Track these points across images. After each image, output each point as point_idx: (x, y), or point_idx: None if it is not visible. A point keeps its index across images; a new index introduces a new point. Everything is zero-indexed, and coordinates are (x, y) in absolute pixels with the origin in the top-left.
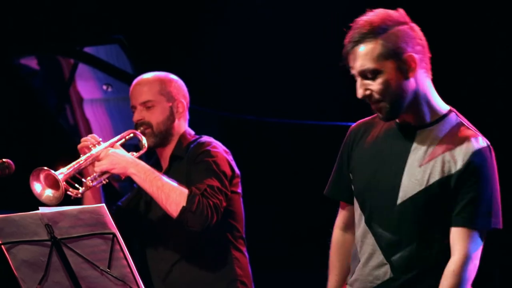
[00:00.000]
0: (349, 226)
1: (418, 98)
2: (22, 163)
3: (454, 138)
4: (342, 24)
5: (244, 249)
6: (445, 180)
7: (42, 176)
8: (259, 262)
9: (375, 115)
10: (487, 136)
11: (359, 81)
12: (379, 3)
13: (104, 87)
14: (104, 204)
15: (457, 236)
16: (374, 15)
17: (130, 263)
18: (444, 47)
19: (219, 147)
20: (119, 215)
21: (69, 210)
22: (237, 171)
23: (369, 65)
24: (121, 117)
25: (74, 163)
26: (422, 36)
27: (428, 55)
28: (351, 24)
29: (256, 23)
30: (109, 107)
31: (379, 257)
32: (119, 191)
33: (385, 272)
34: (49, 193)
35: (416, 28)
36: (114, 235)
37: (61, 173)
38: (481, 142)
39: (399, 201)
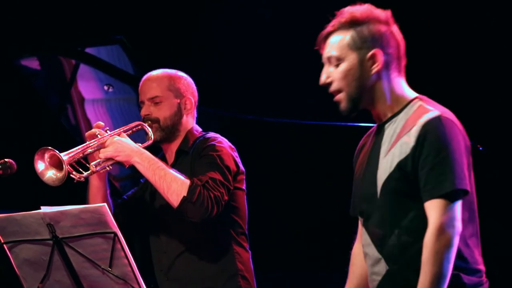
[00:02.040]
0: None
1: (383, 96)
2: (24, 163)
3: (412, 121)
4: None
5: (246, 245)
6: (403, 162)
7: (46, 156)
8: (260, 260)
9: (373, 128)
10: (487, 136)
11: (324, 68)
12: (378, 4)
13: (105, 87)
14: (105, 204)
15: (428, 210)
16: (359, 8)
17: (131, 262)
18: (444, 47)
19: (224, 143)
20: (124, 207)
21: (70, 210)
22: (242, 167)
23: (333, 52)
24: (122, 117)
25: (79, 146)
26: (400, 41)
27: (403, 60)
28: (336, 12)
29: (256, 22)
30: (110, 107)
31: (374, 253)
32: (120, 190)
33: (382, 266)
34: (51, 173)
35: (397, 32)
36: (115, 234)
37: (66, 154)
38: (431, 114)
39: (378, 194)
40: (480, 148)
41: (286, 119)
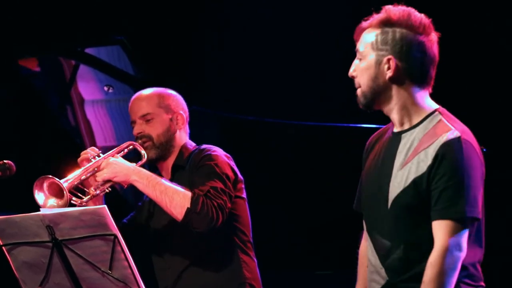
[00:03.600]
0: None
1: (399, 104)
2: (23, 164)
3: (430, 137)
4: (343, 24)
5: (252, 253)
6: (419, 179)
7: (45, 185)
8: (264, 264)
9: (387, 125)
10: (487, 136)
11: (355, 60)
12: (381, 4)
13: (105, 88)
14: (105, 206)
15: (435, 229)
16: (398, 9)
17: (131, 264)
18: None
19: (219, 152)
20: (124, 230)
21: (70, 212)
22: (240, 176)
23: (360, 47)
24: (122, 118)
25: (76, 173)
26: (430, 52)
27: (430, 72)
28: (382, 7)
29: (256, 23)
30: (110, 108)
31: (376, 262)
32: (120, 193)
33: (382, 276)
34: (53, 202)
35: (430, 42)
36: (115, 236)
37: (65, 181)
38: (451, 134)
39: (388, 206)
40: (484, 150)
41: (287, 120)
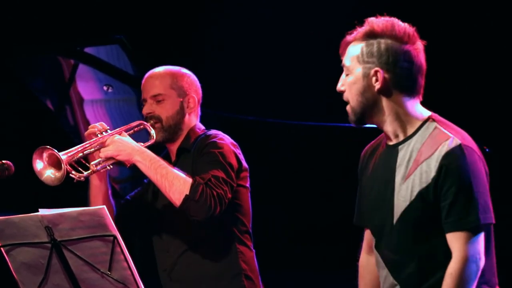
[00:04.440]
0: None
1: (390, 116)
2: (22, 165)
3: (429, 146)
4: (343, 24)
5: (250, 243)
6: (425, 191)
7: (45, 155)
8: (264, 263)
9: (380, 136)
10: (488, 136)
11: (342, 75)
12: (378, 6)
13: (105, 87)
14: (104, 206)
15: (451, 241)
16: (380, 21)
17: (130, 265)
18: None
19: (226, 139)
20: (127, 207)
21: (69, 212)
22: (245, 164)
23: (346, 62)
24: (122, 118)
25: (79, 145)
26: (418, 61)
27: (419, 80)
28: (365, 20)
29: (256, 22)
30: (109, 108)
31: (390, 279)
32: (120, 192)
33: None
34: (50, 173)
35: (416, 51)
36: (115, 237)
37: (65, 153)
38: (451, 143)
39: (394, 221)
40: (487, 150)
41: (287, 120)
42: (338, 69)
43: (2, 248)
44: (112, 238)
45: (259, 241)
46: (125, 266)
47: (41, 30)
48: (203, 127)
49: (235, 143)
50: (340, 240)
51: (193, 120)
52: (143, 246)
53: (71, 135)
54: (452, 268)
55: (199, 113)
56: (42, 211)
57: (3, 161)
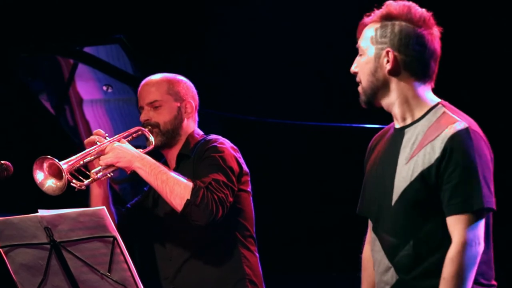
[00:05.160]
0: None
1: (399, 99)
2: (21, 165)
3: (436, 129)
4: (346, 24)
5: (254, 248)
6: (426, 172)
7: (45, 165)
8: (268, 264)
9: (389, 125)
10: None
11: (357, 57)
12: (380, 4)
13: (104, 87)
14: (104, 207)
15: (452, 224)
16: (398, 4)
17: (130, 266)
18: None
19: (226, 144)
20: (128, 215)
21: (68, 213)
22: (245, 168)
23: (361, 43)
24: (122, 118)
25: (78, 154)
26: (431, 46)
27: (432, 66)
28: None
29: (257, 22)
30: (109, 108)
31: (384, 261)
32: (120, 193)
33: (392, 275)
34: (51, 183)
35: (431, 36)
36: (115, 238)
37: (65, 163)
38: (458, 125)
39: (393, 202)
40: None
41: (289, 120)
42: (340, 69)
43: (1, 249)
44: (112, 239)
45: (262, 242)
46: (125, 267)
47: (40, 29)
48: (201, 133)
49: (235, 147)
50: (343, 242)
51: (191, 125)
52: (144, 252)
53: (71, 135)
54: (452, 252)
55: (197, 118)
56: (42, 212)
57: (2, 162)
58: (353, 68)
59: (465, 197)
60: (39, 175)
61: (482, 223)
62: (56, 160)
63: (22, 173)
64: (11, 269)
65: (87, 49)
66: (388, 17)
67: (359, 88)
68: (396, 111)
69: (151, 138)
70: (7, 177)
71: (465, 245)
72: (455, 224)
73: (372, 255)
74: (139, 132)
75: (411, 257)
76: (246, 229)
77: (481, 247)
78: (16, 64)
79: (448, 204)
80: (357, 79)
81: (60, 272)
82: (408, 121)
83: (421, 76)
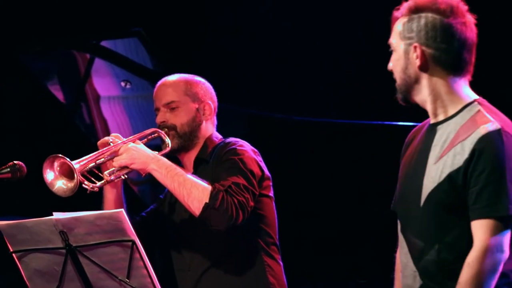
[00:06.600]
0: None
1: (432, 94)
2: (35, 166)
3: (468, 128)
4: (356, 20)
5: (278, 256)
6: (455, 174)
7: (56, 164)
8: (292, 270)
9: (427, 119)
10: None
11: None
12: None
13: (123, 83)
14: (123, 210)
15: (475, 229)
16: None
17: (150, 272)
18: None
19: (246, 146)
20: (143, 224)
21: (85, 216)
22: (267, 172)
23: (392, 39)
24: (141, 116)
25: (91, 154)
26: (464, 37)
27: (466, 58)
28: None
29: (280, 20)
30: (127, 105)
31: (410, 265)
32: (139, 195)
33: (416, 280)
34: (61, 183)
35: (463, 26)
36: (134, 242)
37: (77, 162)
38: (490, 127)
39: (421, 203)
40: None
41: (315, 118)
42: (354, 66)
43: (14, 254)
44: (130, 243)
45: (283, 246)
46: (144, 273)
47: (55, 23)
48: (220, 136)
49: (256, 150)
50: (374, 247)
51: (210, 128)
52: (164, 263)
53: (87, 134)
54: (471, 257)
55: (216, 121)
56: (57, 215)
57: (15, 162)
58: (389, 66)
59: (490, 201)
60: (49, 175)
61: (507, 231)
62: (68, 159)
63: (35, 174)
64: (24, 275)
65: (104, 43)
66: (415, 10)
67: (396, 86)
68: (429, 107)
69: (168, 141)
70: (20, 178)
71: (485, 251)
72: (478, 229)
73: (400, 256)
74: (155, 134)
75: (436, 262)
76: (269, 236)
77: (504, 255)
78: (30, 59)
79: (472, 208)
80: (394, 76)
81: (76, 278)
82: (441, 117)
83: (455, 69)
